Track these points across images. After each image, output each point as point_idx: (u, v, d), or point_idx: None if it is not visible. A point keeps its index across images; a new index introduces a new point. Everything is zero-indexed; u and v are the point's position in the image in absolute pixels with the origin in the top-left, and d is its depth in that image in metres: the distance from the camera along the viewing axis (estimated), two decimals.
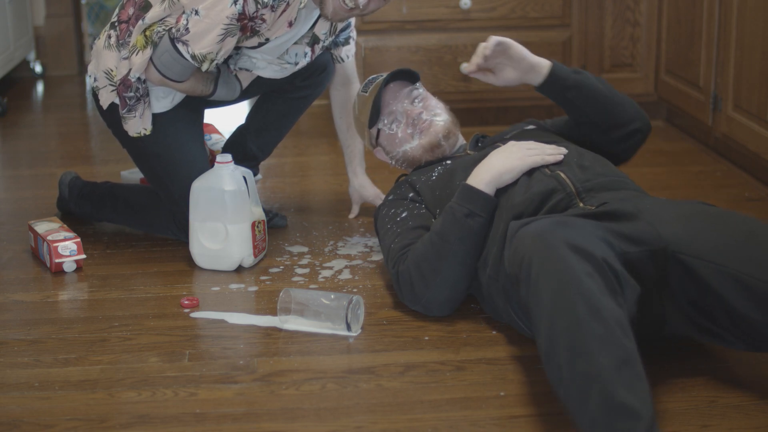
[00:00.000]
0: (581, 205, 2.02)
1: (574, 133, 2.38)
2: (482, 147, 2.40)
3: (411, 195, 2.35)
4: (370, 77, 2.51)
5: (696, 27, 3.40)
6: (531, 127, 2.43)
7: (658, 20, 3.74)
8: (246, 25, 2.37)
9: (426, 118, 2.42)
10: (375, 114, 2.43)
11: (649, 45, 3.78)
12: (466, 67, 2.33)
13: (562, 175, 2.10)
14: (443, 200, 2.25)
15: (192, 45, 2.37)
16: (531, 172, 2.16)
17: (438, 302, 2.16)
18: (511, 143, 2.23)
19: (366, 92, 2.48)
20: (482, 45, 2.30)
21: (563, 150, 2.20)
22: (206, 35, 2.35)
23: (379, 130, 2.46)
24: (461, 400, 1.87)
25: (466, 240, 2.12)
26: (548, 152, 2.19)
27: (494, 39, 2.28)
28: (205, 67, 2.41)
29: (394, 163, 2.50)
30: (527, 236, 1.78)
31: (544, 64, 2.31)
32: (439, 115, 2.43)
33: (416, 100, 2.45)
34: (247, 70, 2.62)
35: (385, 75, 2.48)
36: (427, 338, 2.12)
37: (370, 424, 1.80)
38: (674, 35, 3.62)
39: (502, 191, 2.16)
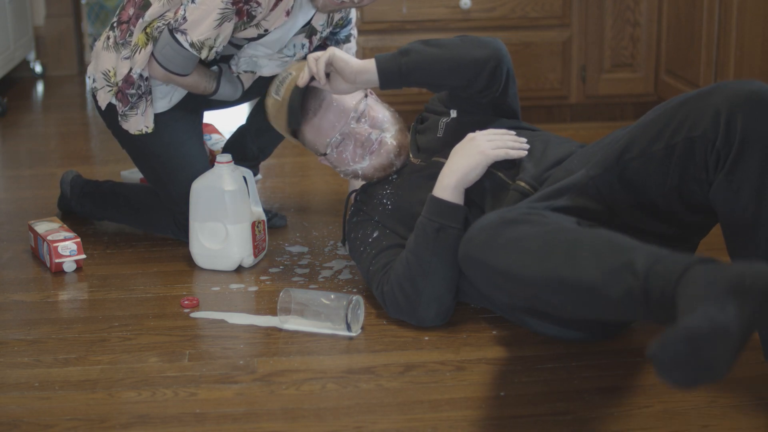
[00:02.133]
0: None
1: (451, 104, 2.33)
2: (424, 151, 2.31)
3: (376, 218, 2.31)
4: (279, 78, 2.35)
5: (696, 27, 3.40)
6: (453, 114, 2.32)
7: (658, 20, 3.74)
8: (241, 9, 2.38)
9: (375, 139, 2.30)
10: (294, 118, 2.30)
11: (649, 45, 3.78)
12: (300, 82, 2.24)
13: (523, 183, 2.08)
14: (406, 223, 2.23)
15: (190, 33, 2.38)
16: (493, 184, 2.12)
17: (429, 318, 2.14)
18: (470, 136, 2.17)
19: (279, 96, 2.33)
20: (311, 58, 2.21)
21: (523, 142, 2.15)
22: (203, 21, 2.36)
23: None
24: (461, 400, 1.87)
25: (441, 254, 2.09)
26: (510, 145, 2.14)
27: (322, 60, 2.18)
28: (204, 54, 2.41)
29: (343, 175, 2.41)
30: (466, 251, 1.79)
31: (369, 67, 2.17)
32: (387, 131, 2.31)
33: (363, 119, 2.30)
34: (252, 72, 2.62)
35: (293, 73, 2.32)
36: (427, 338, 2.12)
37: (370, 424, 1.80)
38: (674, 35, 3.62)
39: (469, 206, 2.13)
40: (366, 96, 2.33)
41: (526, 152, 2.14)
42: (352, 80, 2.18)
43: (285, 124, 2.33)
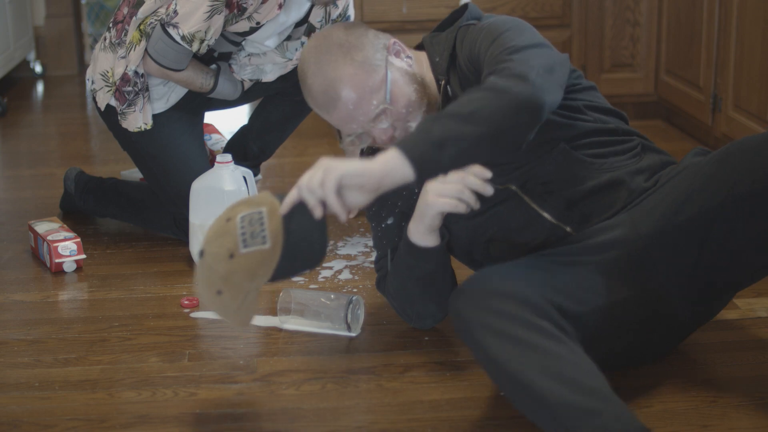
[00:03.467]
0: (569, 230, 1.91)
1: None
2: None
3: (400, 204, 2.08)
4: (241, 226, 1.71)
5: (696, 27, 3.40)
6: None
7: (658, 20, 3.74)
8: (232, 2, 2.39)
9: (399, 136, 1.93)
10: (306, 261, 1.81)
11: (649, 45, 3.78)
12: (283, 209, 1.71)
13: (556, 222, 1.91)
14: None
15: (181, 26, 2.39)
16: (522, 214, 1.91)
17: (426, 326, 2.12)
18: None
19: (265, 244, 1.72)
20: (307, 187, 1.66)
21: (488, 190, 1.81)
22: (193, 14, 2.38)
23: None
24: (461, 400, 1.87)
25: (422, 287, 2.01)
26: (465, 197, 1.82)
27: (330, 186, 1.64)
28: (195, 47, 2.42)
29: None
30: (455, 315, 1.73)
31: (396, 165, 1.64)
32: (413, 120, 1.92)
33: (383, 116, 1.91)
34: (258, 80, 2.62)
35: None
36: (427, 338, 2.12)
37: (370, 424, 1.80)
38: (674, 35, 3.62)
39: (498, 226, 1.94)
40: (387, 76, 1.90)
41: (476, 206, 1.83)
42: (376, 189, 1.67)
43: (285, 271, 1.76)
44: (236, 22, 2.45)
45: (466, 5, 2.07)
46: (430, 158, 1.66)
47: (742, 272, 1.85)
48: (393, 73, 1.91)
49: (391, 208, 2.09)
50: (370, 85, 1.88)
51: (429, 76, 1.99)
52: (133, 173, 3.16)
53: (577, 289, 1.78)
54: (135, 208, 2.75)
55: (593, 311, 1.77)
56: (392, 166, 1.65)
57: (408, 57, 1.97)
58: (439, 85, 1.98)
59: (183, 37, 2.40)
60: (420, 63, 2.00)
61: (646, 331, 1.86)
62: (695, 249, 1.80)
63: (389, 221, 2.11)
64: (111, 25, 2.58)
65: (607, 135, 1.96)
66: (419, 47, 2.08)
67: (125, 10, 2.54)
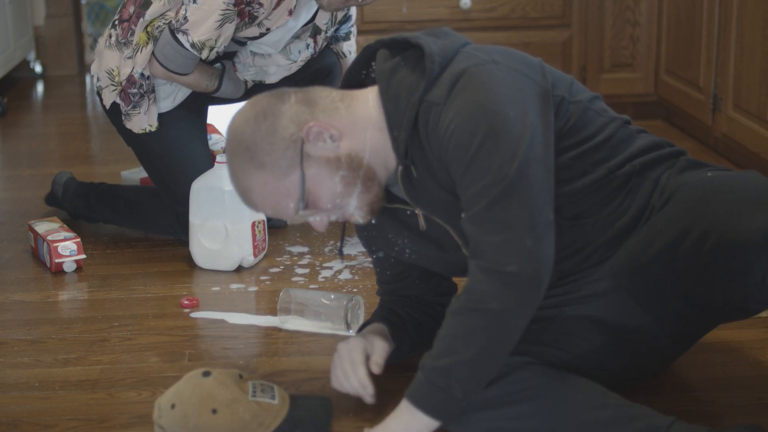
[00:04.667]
0: None
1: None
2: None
3: (394, 255, 1.92)
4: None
5: (696, 27, 3.40)
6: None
7: (658, 20, 3.74)
8: (243, 10, 2.38)
9: (336, 219, 1.74)
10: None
11: (649, 45, 3.78)
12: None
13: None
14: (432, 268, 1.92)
15: (191, 33, 2.38)
16: None
17: None
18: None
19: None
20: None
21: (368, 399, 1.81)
22: (204, 22, 2.37)
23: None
24: None
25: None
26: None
27: None
28: (204, 55, 2.41)
29: None
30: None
31: (417, 425, 1.67)
32: (347, 205, 1.71)
33: (306, 211, 1.71)
34: (261, 81, 2.62)
35: None
36: None
37: (370, 425, 1.80)
38: (674, 35, 3.62)
39: None
40: (301, 176, 1.67)
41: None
42: None
43: None
44: (246, 28, 2.45)
45: (419, 46, 1.71)
46: (459, 409, 1.67)
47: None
48: (310, 169, 1.68)
49: (380, 246, 1.93)
50: (282, 191, 1.68)
51: (371, 140, 1.71)
52: (133, 173, 3.16)
53: (558, 338, 1.76)
54: (133, 210, 2.74)
55: (577, 357, 1.75)
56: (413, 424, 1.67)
57: (331, 136, 1.68)
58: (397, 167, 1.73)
59: (193, 45, 2.40)
60: (355, 125, 1.72)
61: (634, 363, 1.81)
62: (667, 296, 1.74)
63: (380, 254, 1.96)
64: (116, 22, 2.56)
65: (591, 186, 1.74)
66: (371, 69, 1.81)
67: (131, 9, 2.52)
